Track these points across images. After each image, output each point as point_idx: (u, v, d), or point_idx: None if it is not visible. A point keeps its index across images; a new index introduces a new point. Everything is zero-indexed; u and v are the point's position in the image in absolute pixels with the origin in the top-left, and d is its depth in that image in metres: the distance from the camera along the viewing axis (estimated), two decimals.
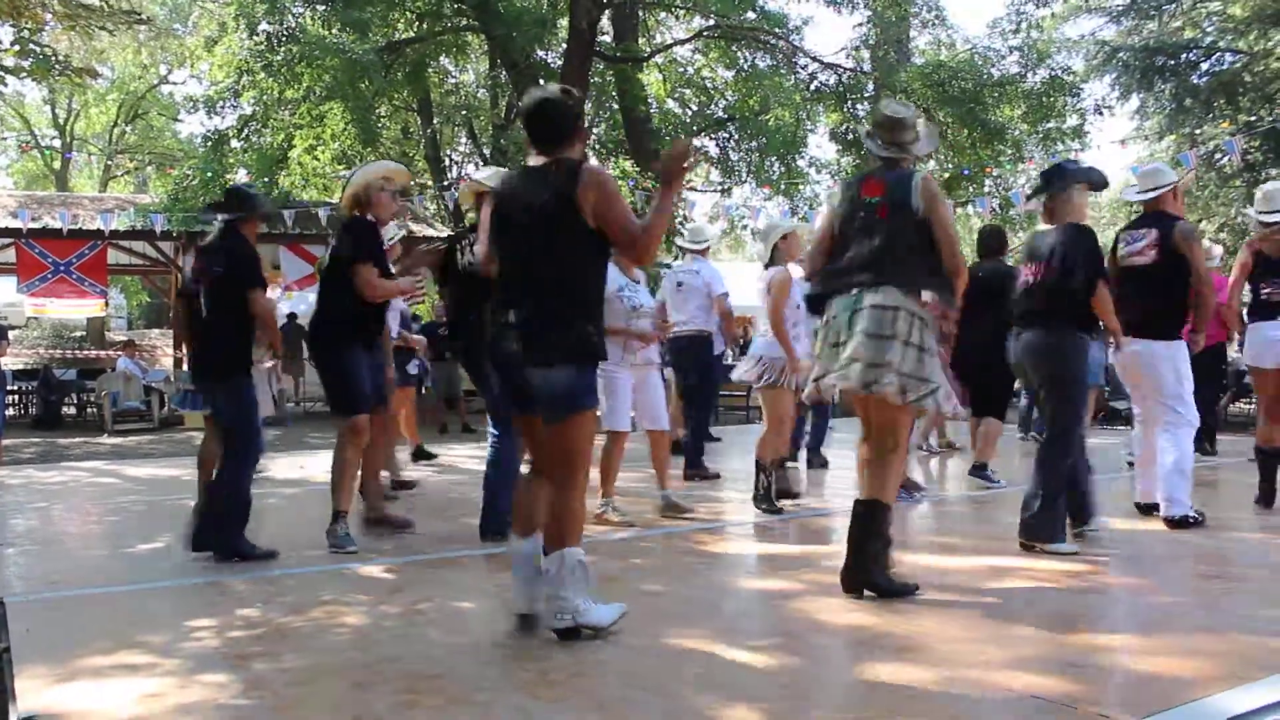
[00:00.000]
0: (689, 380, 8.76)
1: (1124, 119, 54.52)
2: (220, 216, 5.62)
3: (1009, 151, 20.89)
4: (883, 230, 4.35)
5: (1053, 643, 3.74)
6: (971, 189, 20.54)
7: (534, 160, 3.90)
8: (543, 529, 3.79)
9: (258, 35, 18.25)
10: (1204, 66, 21.70)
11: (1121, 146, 18.30)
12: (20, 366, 18.62)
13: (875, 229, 4.36)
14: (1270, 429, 6.72)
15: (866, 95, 22.24)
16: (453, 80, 24.13)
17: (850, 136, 22.68)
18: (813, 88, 22.32)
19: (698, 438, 8.86)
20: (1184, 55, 21.61)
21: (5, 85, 11.96)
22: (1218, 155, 20.40)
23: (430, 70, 20.64)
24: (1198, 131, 21.09)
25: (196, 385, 5.74)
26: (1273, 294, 6.62)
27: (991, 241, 8.17)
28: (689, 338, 8.44)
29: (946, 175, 20.69)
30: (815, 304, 4.62)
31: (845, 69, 22.54)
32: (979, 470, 7.83)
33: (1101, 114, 22.22)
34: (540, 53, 20.38)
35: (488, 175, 6.00)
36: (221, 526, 5.35)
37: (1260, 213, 6.86)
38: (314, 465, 9.90)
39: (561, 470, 3.75)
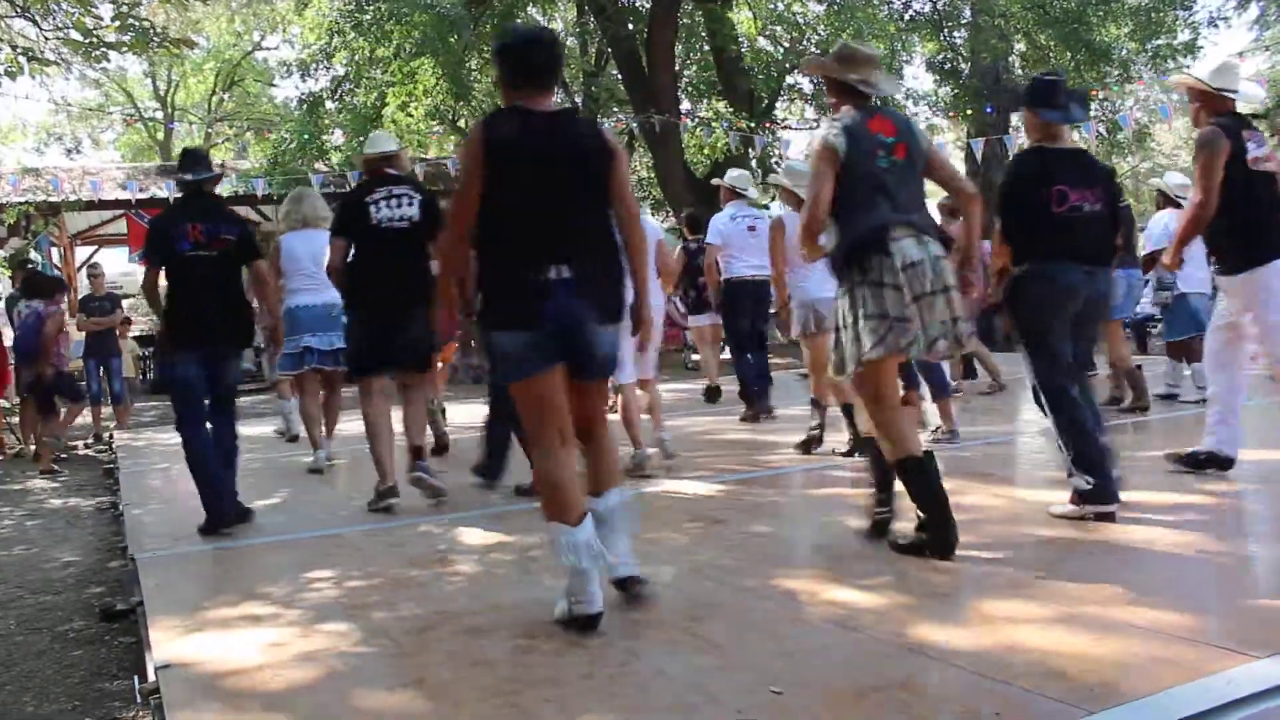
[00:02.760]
0: (758, 325, 8.61)
1: (1241, 30, 51.93)
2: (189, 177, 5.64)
3: (1115, 73, 20.08)
4: (908, 173, 4.09)
5: (1173, 577, 3.63)
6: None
7: (539, 103, 3.51)
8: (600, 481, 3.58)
9: None
10: None
11: (1239, 60, 17.35)
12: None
13: (902, 171, 4.07)
14: None
15: (963, 22, 21.60)
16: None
17: (948, 66, 22.07)
18: (907, 17, 21.74)
19: (766, 379, 8.82)
20: None
21: (108, 61, 12.23)
22: None
23: (519, 20, 20.55)
24: None
25: (225, 351, 5.50)
26: None
27: None
28: (764, 282, 8.24)
29: None
30: (870, 246, 3.97)
31: None
32: None
33: (1216, 26, 21.26)
34: None
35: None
36: (233, 494, 5.38)
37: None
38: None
39: (604, 424, 3.63)
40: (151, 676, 3.23)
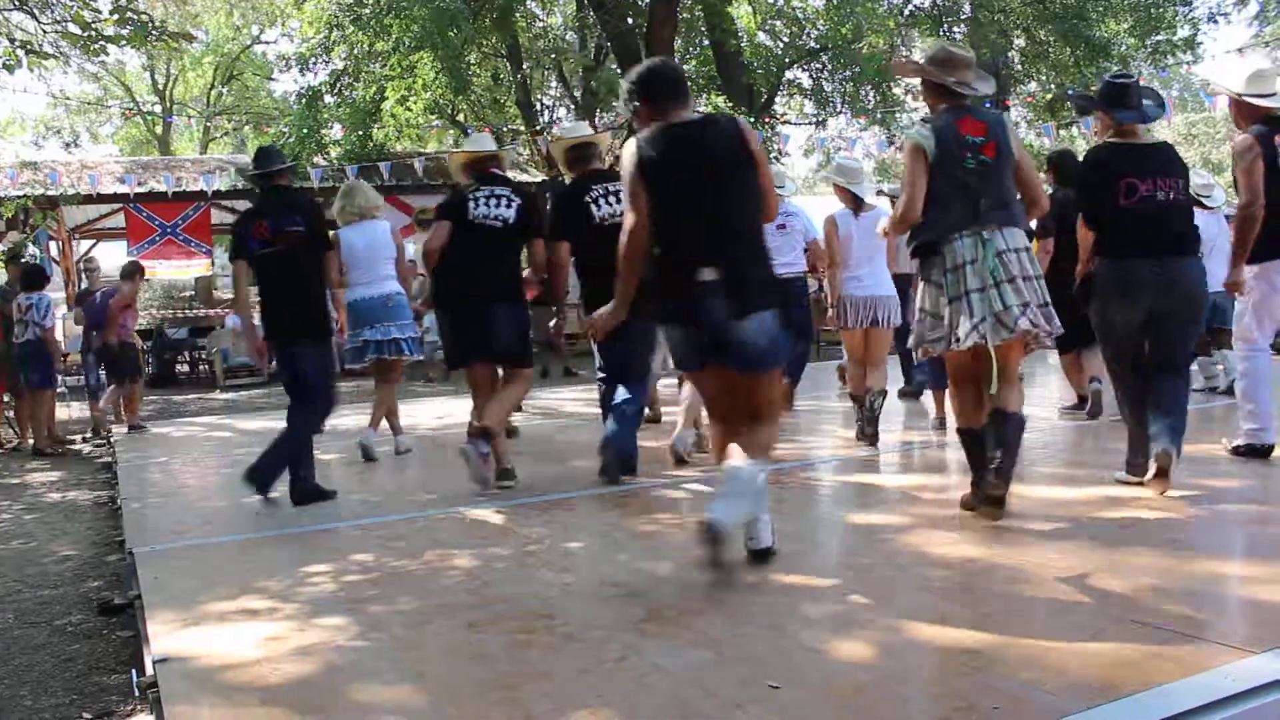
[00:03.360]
0: (794, 318, 8.64)
1: (1241, 26, 51.83)
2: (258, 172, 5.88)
3: (1115, 68, 20.07)
4: (998, 170, 4.29)
5: (1172, 572, 3.62)
6: (1075, 109, 19.82)
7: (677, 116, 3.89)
8: (746, 448, 3.81)
9: None
10: None
11: (1239, 56, 17.34)
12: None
13: (991, 169, 4.28)
14: None
15: (963, 17, 21.60)
16: (541, 24, 24.01)
17: (972, 54, 22.07)
18: (907, 12, 21.76)
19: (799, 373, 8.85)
20: None
21: (107, 54, 12.21)
22: None
23: (518, 15, 20.53)
24: None
25: (296, 344, 5.71)
26: None
27: (1073, 165, 7.74)
28: (796, 279, 8.31)
29: (1049, 96, 20.03)
30: (926, 248, 4.36)
31: None
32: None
33: (1216, 22, 21.29)
34: None
35: (571, 128, 6.11)
36: (275, 473, 5.64)
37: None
38: (421, 413, 10.07)
39: (769, 412, 3.93)
40: (149, 670, 3.23)
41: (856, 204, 6.78)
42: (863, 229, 6.74)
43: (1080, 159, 5.45)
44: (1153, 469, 4.75)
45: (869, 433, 6.66)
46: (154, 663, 3.20)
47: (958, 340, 4.22)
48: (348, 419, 7.47)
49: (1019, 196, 4.40)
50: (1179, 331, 4.87)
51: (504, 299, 5.74)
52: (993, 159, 4.27)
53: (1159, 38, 20.05)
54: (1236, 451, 5.55)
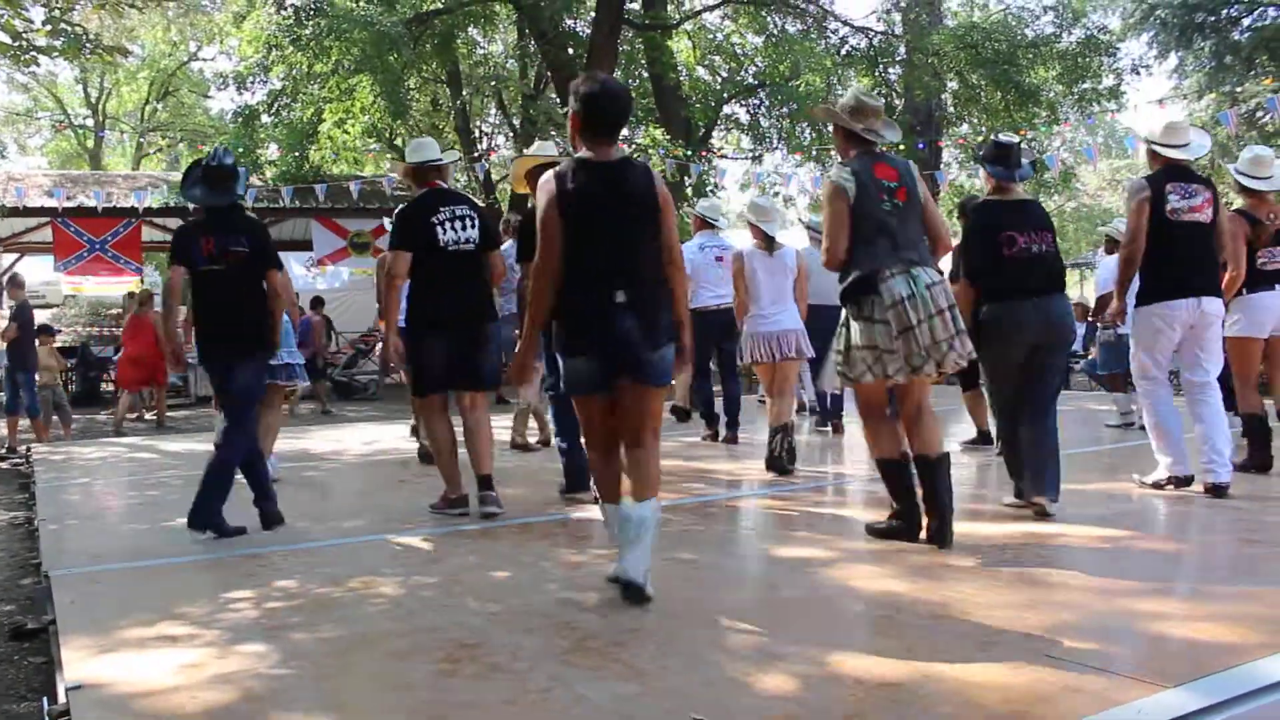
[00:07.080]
0: (727, 349, 8.71)
1: (1161, 78, 53.63)
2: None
3: (1043, 114, 20.63)
4: (909, 213, 4.59)
5: (1089, 608, 3.70)
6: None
7: (605, 151, 3.93)
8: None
9: (285, 10, 18.26)
10: (1245, 22, 21.27)
11: (1159, 107, 17.77)
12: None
13: (903, 212, 4.57)
14: (1252, 394, 6.55)
15: (898, 59, 22.03)
16: (481, 51, 24.03)
17: (882, 101, 22.46)
18: (843, 52, 22.10)
19: (737, 404, 9.05)
20: (1225, 11, 21.20)
21: (38, 65, 12.03)
22: (1259, 114, 19.95)
23: (459, 41, 20.55)
24: (1238, 90, 20.69)
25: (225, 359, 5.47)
26: (1268, 262, 6.43)
27: None
28: (727, 310, 8.42)
29: (980, 139, 20.44)
30: (862, 287, 4.54)
31: (876, 32, 22.33)
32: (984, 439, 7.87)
33: (1139, 74, 21.94)
34: (569, 21, 20.27)
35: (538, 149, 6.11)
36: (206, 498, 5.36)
37: (1247, 175, 6.54)
38: (349, 438, 9.98)
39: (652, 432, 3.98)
40: (62, 698, 3.16)
41: (768, 242, 7.02)
42: (773, 266, 7.06)
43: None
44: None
45: (785, 463, 6.86)
46: (67, 690, 3.13)
47: (919, 366, 4.44)
48: (286, 443, 7.36)
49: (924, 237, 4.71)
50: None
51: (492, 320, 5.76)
52: (905, 202, 4.58)
53: (1085, 86, 20.63)
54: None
